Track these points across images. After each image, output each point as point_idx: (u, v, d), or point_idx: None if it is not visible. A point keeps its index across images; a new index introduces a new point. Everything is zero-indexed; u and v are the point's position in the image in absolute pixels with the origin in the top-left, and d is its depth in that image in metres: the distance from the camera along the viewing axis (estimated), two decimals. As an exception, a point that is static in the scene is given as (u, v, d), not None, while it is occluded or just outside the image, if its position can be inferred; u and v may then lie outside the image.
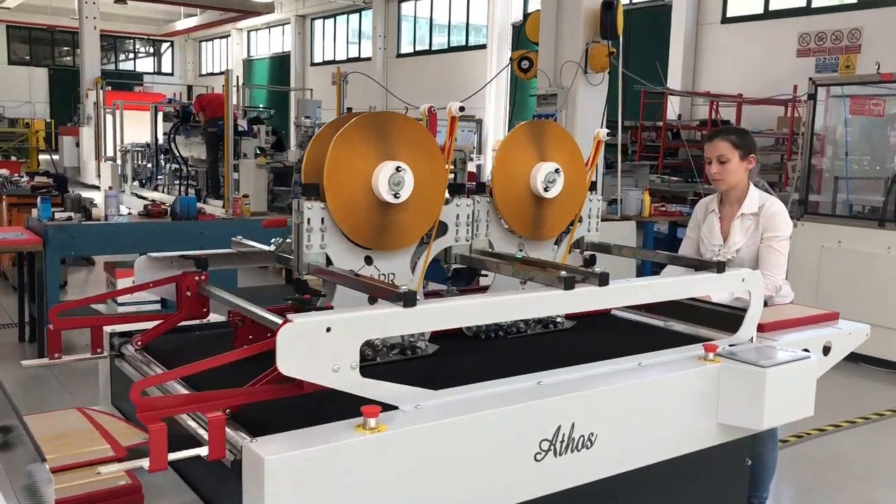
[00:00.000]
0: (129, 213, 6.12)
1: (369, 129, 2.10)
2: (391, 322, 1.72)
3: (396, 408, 1.76)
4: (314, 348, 1.61)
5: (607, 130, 2.65)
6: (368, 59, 23.48)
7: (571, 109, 7.67)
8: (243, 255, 2.43)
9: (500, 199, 2.42)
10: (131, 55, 36.28)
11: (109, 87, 17.67)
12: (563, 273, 1.99)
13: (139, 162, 12.68)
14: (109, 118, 14.48)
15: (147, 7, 29.86)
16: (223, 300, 2.19)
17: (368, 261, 2.18)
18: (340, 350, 1.65)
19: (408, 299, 1.73)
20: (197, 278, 2.31)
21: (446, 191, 2.27)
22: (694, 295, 2.39)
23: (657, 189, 10.39)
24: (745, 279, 2.39)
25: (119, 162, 13.24)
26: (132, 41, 35.44)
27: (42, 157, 22.94)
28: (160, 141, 11.79)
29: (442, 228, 2.32)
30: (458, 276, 2.42)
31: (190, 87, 15.28)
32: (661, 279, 2.24)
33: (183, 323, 2.35)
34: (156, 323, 2.30)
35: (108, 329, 2.31)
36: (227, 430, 1.62)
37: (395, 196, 2.09)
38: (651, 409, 2.08)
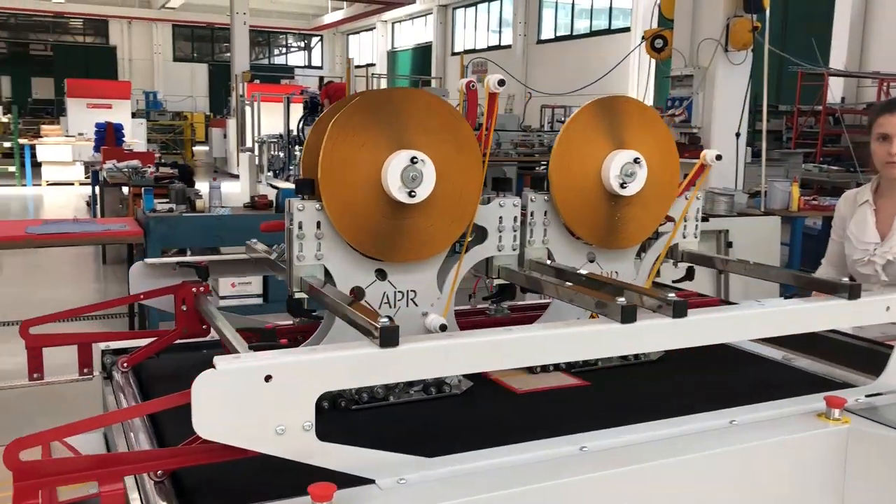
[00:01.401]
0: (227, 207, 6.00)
1: (377, 111, 1.65)
2: (360, 368, 1.27)
3: (373, 481, 1.32)
4: (248, 404, 1.19)
5: (717, 153, 2.06)
6: (508, 46, 23.00)
7: (709, 92, 6.90)
8: (253, 263, 2.06)
9: (561, 196, 1.91)
10: (283, 50, 37.68)
11: (258, 81, 18.24)
12: (621, 301, 1.46)
13: (274, 152, 12.88)
14: (249, 110, 14.85)
15: (297, 2, 30.84)
16: (210, 318, 1.82)
17: (381, 275, 1.74)
18: (287, 406, 1.22)
19: (385, 336, 1.28)
20: (195, 289, 1.96)
21: (483, 187, 1.79)
22: (810, 330, 1.78)
23: (813, 180, 9.31)
24: (892, 308, 1.76)
25: (256, 152, 13.54)
26: (284, 36, 36.78)
27: (196, 148, 24.18)
28: (293, 131, 11.89)
29: (480, 234, 1.84)
30: (503, 292, 1.94)
31: (321, 78, 15.39)
32: (766, 308, 1.66)
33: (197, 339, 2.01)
34: (150, 341, 1.97)
35: (100, 346, 2.01)
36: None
37: (411, 194, 1.64)
38: (741, 492, 1.52)
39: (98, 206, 9.15)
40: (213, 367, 1.18)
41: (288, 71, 33.43)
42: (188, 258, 2.03)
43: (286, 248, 1.70)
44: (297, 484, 1.22)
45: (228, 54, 23.15)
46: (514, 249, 1.88)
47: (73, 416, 2.47)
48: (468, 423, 1.64)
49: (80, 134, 15.77)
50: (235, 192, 15.18)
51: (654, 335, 1.50)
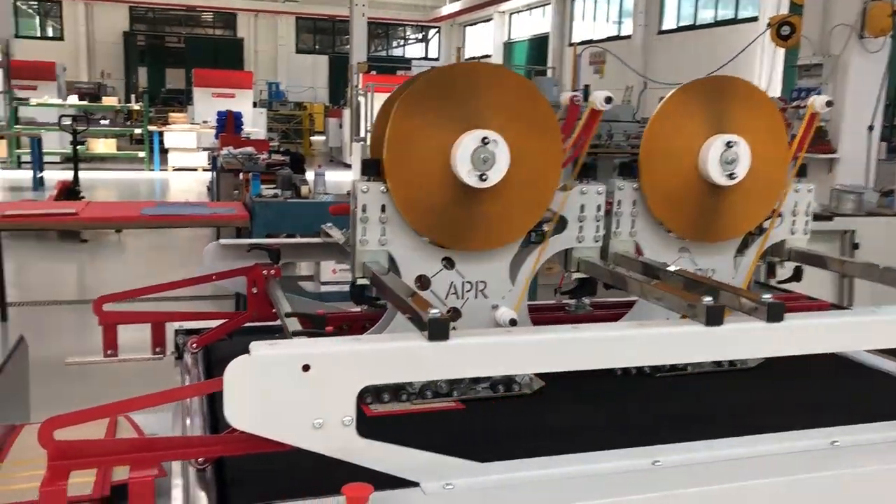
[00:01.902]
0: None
1: (448, 87, 1.55)
2: (406, 363, 1.17)
3: (417, 484, 1.22)
4: (284, 394, 1.12)
5: (828, 98, 1.84)
6: (628, 37, 22.36)
7: (841, 82, 6.41)
8: (325, 247, 2.00)
9: (652, 184, 1.75)
10: (401, 42, 38.14)
11: (374, 72, 18.51)
12: (707, 301, 1.30)
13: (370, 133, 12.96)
14: (363, 100, 15.05)
15: (415, -7, 31.10)
16: (276, 301, 1.77)
17: (448, 264, 1.63)
18: (325, 399, 1.14)
19: (435, 328, 1.17)
20: (265, 272, 1.92)
21: (562, 173, 1.65)
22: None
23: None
24: None
25: (367, 142, 13.71)
26: (403, 28, 37.21)
27: (314, 137, 24.80)
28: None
29: (560, 223, 1.71)
30: (583, 286, 1.80)
31: (431, 68, 15.37)
32: (879, 316, 1.44)
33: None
34: (221, 322, 1.94)
35: (173, 326, 2.00)
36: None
37: (482, 178, 1.53)
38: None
39: (215, 191, 9.48)
40: (248, 352, 1.11)
41: (404, 62, 33.80)
42: (261, 240, 1.99)
43: (350, 231, 1.62)
44: (341, 481, 1.14)
45: (348, 46, 23.80)
46: (596, 241, 1.73)
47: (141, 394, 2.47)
48: (533, 427, 1.52)
49: (205, 122, 16.45)
50: (347, 179, 15.46)
51: (744, 340, 1.33)
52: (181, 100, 24.94)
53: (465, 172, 1.52)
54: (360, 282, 1.59)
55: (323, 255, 2.05)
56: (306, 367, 1.12)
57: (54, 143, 15.02)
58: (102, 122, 17.31)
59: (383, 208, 1.57)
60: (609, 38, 23.73)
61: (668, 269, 1.67)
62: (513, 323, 1.61)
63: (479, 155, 1.52)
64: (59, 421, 1.13)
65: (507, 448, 1.34)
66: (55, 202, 7.72)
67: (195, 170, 16.29)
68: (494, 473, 1.24)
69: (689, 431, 1.41)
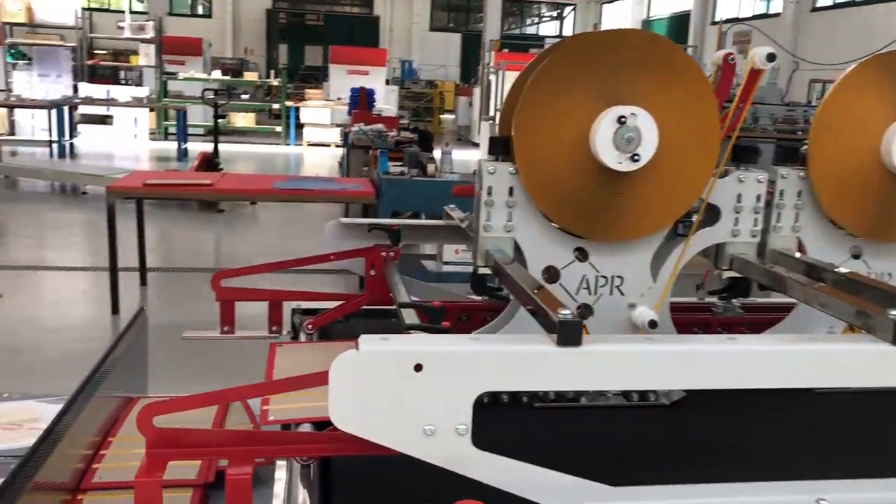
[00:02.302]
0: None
1: (588, 57, 1.38)
2: (531, 369, 1.03)
3: (538, 505, 1.08)
4: (393, 395, 1.00)
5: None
6: (777, 15, 21.05)
7: None
8: (448, 230, 1.88)
9: (822, 173, 1.52)
10: (536, 20, 37.62)
11: (507, 50, 18.31)
12: (895, 314, 1.08)
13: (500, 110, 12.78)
14: (494, 79, 14.90)
15: (552, -30, 30.54)
16: (392, 286, 1.66)
17: (581, 255, 1.47)
18: (438, 403, 1.01)
19: (565, 332, 1.02)
20: (384, 254, 1.82)
21: (719, 157, 1.45)
22: None
23: None
24: None
25: (496, 121, 13.57)
26: (538, 5, 36.68)
27: (444, 116, 24.88)
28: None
29: (711, 214, 1.51)
30: (734, 287, 1.59)
31: (568, 36, 14.96)
32: None
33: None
34: (339, 304, 1.87)
35: (290, 305, 1.94)
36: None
37: (626, 160, 1.36)
38: None
39: (345, 166, 9.62)
40: (357, 346, 1.00)
41: (538, 41, 33.33)
42: (381, 220, 1.89)
43: (473, 215, 1.49)
44: (454, 494, 1.01)
45: (482, 24, 23.72)
46: (753, 236, 1.52)
47: (260, 375, 2.45)
48: (670, 445, 1.34)
49: (339, 98, 16.77)
50: (474, 158, 15.39)
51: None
52: (318, 76, 25.60)
53: (606, 154, 1.35)
54: (482, 271, 1.46)
55: (445, 238, 1.93)
56: (419, 367, 1.00)
57: (198, 116, 15.73)
58: (243, 96, 17.98)
59: (511, 191, 1.42)
60: (756, 17, 22.44)
61: (837, 270, 1.44)
62: (652, 325, 1.44)
63: (622, 135, 1.35)
64: (159, 407, 1.06)
65: (641, 468, 1.18)
66: (195, 173, 8.04)
67: (328, 145, 16.67)
68: (627, 500, 1.09)
69: (857, 466, 1.20)
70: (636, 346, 1.06)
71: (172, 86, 16.52)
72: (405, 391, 1.00)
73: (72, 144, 14.19)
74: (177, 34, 18.86)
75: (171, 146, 14.62)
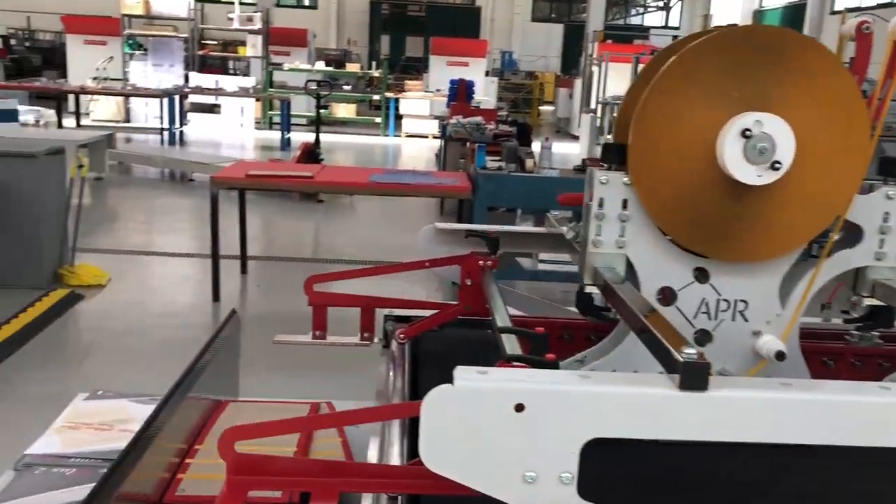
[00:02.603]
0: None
1: (725, 57, 1.23)
2: (648, 416, 0.91)
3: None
4: (491, 437, 0.90)
5: None
6: (903, 3, 19.74)
7: None
8: (548, 238, 1.76)
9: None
10: (641, 10, 36.71)
11: (610, 41, 17.89)
12: None
13: (615, 114, 12.47)
14: (596, 70, 14.57)
15: (659, -41, 29.69)
16: (490, 299, 1.56)
17: (702, 276, 1.33)
18: (540, 448, 0.91)
19: (690, 375, 0.89)
20: (482, 263, 1.72)
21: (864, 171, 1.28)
22: None
23: None
24: None
25: (598, 114, 13.26)
26: (643, -4, 35.78)
27: (543, 107, 24.58)
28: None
29: (851, 234, 1.34)
30: (876, 316, 1.41)
31: (675, 38, 14.48)
32: None
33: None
34: (432, 313, 1.78)
35: (382, 312, 1.87)
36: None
37: (759, 173, 1.21)
38: None
39: (442, 159, 9.60)
40: (452, 380, 0.90)
41: (643, 31, 32.51)
42: (479, 227, 1.80)
43: (583, 227, 1.37)
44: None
45: (585, 14, 23.27)
46: (902, 261, 1.34)
47: (350, 379, 2.39)
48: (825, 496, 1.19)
49: (438, 90, 16.77)
50: (574, 152, 15.11)
51: None
52: (418, 67, 25.72)
53: (734, 165, 1.21)
54: (589, 289, 1.34)
55: (546, 247, 1.82)
56: (520, 407, 0.90)
57: (301, 106, 16.05)
58: (345, 87, 18.24)
59: (625, 203, 1.30)
60: (881, 6, 21.12)
61: None
62: (780, 357, 1.29)
63: (754, 144, 1.20)
64: (241, 433, 1.00)
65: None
66: (296, 164, 8.16)
67: (426, 137, 16.72)
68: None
69: None
70: (771, 394, 0.92)
71: (278, 76, 16.91)
72: (504, 433, 0.90)
73: (181, 132, 14.72)
74: (283, 25, 19.30)
75: (275, 135, 14.96)
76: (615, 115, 12.23)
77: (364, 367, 1.91)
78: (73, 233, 5.85)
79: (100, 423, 1.62)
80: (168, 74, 15.86)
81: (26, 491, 1.33)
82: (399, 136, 17.16)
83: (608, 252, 1.32)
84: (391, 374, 1.65)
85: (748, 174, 1.21)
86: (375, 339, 1.86)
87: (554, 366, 0.99)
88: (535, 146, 8.26)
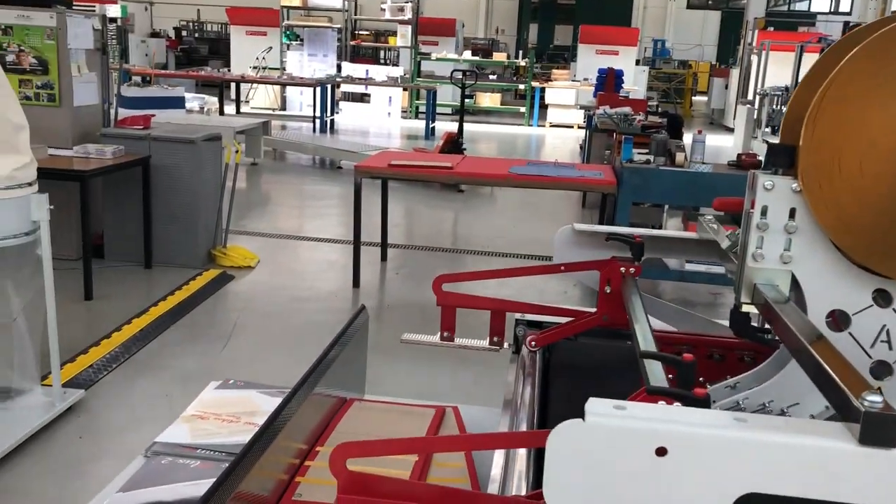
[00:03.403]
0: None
1: (920, 46, 1.04)
2: (817, 472, 0.76)
3: None
4: (626, 482, 0.79)
5: None
6: None
7: None
8: (699, 245, 1.60)
9: None
10: (808, -6, 34.45)
11: (772, 28, 16.86)
12: None
13: (775, 106, 11.74)
14: (756, 60, 13.77)
15: (831, -61, 27.74)
16: (631, 311, 1.43)
17: (883, 299, 1.15)
18: (685, 500, 0.79)
19: (872, 426, 0.74)
20: (623, 269, 1.59)
21: None
22: None
23: None
24: None
25: (755, 105, 12.52)
26: (814, -21, 33.59)
27: (696, 98, 23.56)
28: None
29: None
30: None
31: (846, 24, 13.44)
32: None
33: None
34: (567, 321, 1.67)
35: (515, 316, 1.77)
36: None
37: (960, 183, 1.02)
38: None
39: (586, 151, 9.36)
40: (583, 414, 0.80)
41: (808, 18, 30.47)
42: (622, 229, 1.66)
43: (741, 238, 1.21)
44: None
45: (744, 1, 22.04)
46: None
47: (475, 384, 2.29)
48: None
49: (585, 79, 16.42)
50: (727, 145, 14.37)
51: None
52: (566, 56, 25.34)
53: (931, 173, 1.02)
54: (746, 308, 1.18)
55: (696, 254, 1.66)
56: (662, 451, 0.78)
57: (447, 95, 16.17)
58: (490, 77, 18.21)
59: (792, 213, 1.13)
60: None
61: None
62: (978, 399, 1.09)
63: (957, 148, 1.01)
64: (353, 450, 0.94)
65: None
66: (438, 155, 8.19)
67: (571, 126, 16.42)
68: None
69: None
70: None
71: (425, 66, 17.12)
72: (641, 479, 0.78)
73: (332, 120, 15.19)
74: (433, 15, 19.51)
75: (421, 125, 15.16)
76: (774, 107, 11.51)
77: (493, 376, 1.83)
78: (227, 215, 6.13)
79: (228, 413, 1.63)
80: (322, 64, 16.41)
81: (151, 481, 1.34)
82: (543, 126, 16.95)
83: (770, 268, 1.16)
84: (520, 383, 1.55)
85: (948, 184, 1.02)
86: (505, 345, 1.77)
87: (705, 403, 0.86)
88: (687, 138, 7.87)
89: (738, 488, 0.78)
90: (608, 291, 1.59)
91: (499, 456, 1.28)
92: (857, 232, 1.10)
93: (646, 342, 1.23)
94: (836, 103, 1.07)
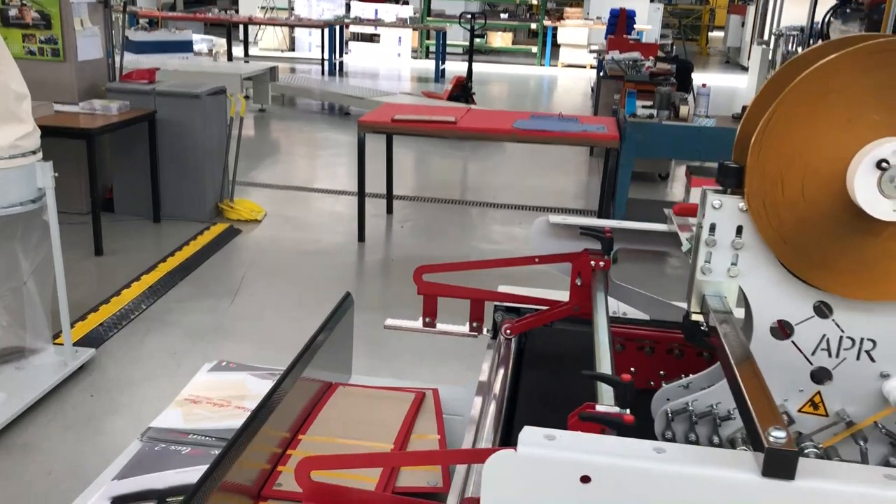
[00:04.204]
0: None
1: (869, 76, 1.08)
2: (724, 500, 0.84)
3: None
4: (553, 502, 0.87)
5: None
6: None
7: None
8: (669, 237, 1.65)
9: None
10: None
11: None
12: None
13: (790, 47, 11.55)
14: (773, -3, 13.47)
15: None
16: (594, 305, 1.50)
17: (824, 311, 1.21)
18: (606, 519, 0.87)
19: (773, 462, 0.82)
20: (593, 263, 1.65)
21: None
22: None
23: None
24: None
25: (770, 46, 12.31)
26: None
27: (712, 34, 23.07)
28: (817, 25, 10.45)
29: None
30: None
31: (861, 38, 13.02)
32: None
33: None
34: (542, 309, 1.74)
35: (494, 303, 1.84)
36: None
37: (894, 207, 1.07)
38: None
39: (596, 96, 9.27)
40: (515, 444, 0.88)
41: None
42: (593, 223, 1.71)
43: (692, 248, 1.27)
44: None
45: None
46: None
47: (454, 369, 2.38)
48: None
49: (598, 18, 16.12)
50: (742, 87, 14.18)
51: None
52: (581, -7, 24.72)
53: (865, 198, 1.07)
54: (695, 317, 1.25)
55: (667, 245, 1.71)
56: (586, 479, 0.86)
57: (458, 35, 15.94)
58: (502, 15, 17.91)
59: (739, 231, 1.19)
60: None
61: None
62: (908, 407, 1.16)
63: (891, 175, 1.06)
64: (318, 463, 1.03)
65: None
66: (442, 108, 8.16)
67: (583, 67, 16.21)
68: None
69: None
70: (869, 489, 0.83)
71: (436, 4, 16.84)
72: (567, 500, 0.87)
73: (342, 62, 15.07)
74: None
75: (431, 65, 15.01)
76: (790, 48, 11.30)
77: (469, 360, 1.92)
78: (233, 168, 6.19)
79: (219, 397, 1.72)
80: (330, 4, 16.17)
81: (145, 469, 1.44)
82: (555, 65, 16.73)
83: (718, 281, 1.22)
84: (494, 368, 1.63)
85: (882, 209, 1.07)
86: (484, 330, 1.85)
87: (633, 431, 0.94)
88: (699, 79, 7.78)
89: (656, 513, 0.86)
90: (579, 284, 1.66)
91: (469, 434, 1.38)
92: (797, 249, 1.15)
93: (601, 338, 1.31)
94: (781, 129, 1.11)
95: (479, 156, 8.74)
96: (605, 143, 5.15)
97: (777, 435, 0.84)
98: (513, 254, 5.52)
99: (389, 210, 6.43)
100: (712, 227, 1.20)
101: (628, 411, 1.03)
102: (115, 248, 5.25)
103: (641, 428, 1.32)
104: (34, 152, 3.32)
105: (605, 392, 1.08)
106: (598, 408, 1.04)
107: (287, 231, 5.90)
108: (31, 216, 3.39)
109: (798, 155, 1.12)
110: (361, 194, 5.57)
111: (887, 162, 1.05)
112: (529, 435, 0.88)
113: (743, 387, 0.96)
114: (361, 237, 5.68)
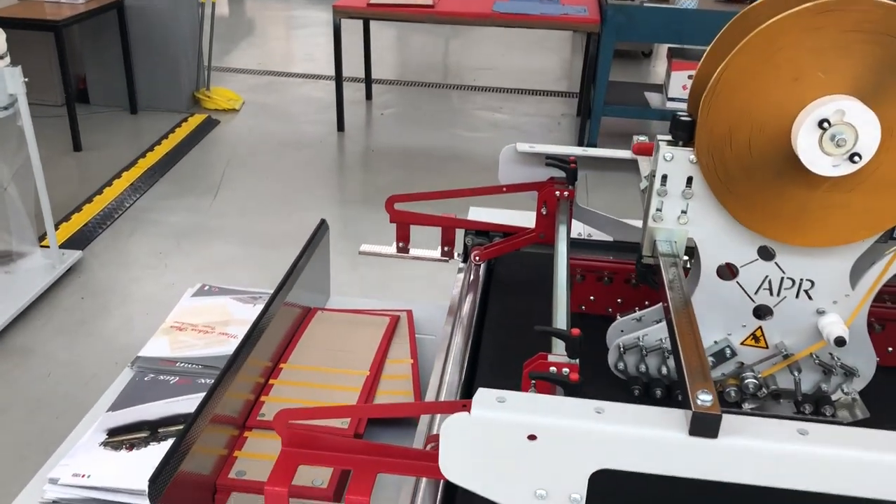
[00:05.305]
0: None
1: (817, 36, 1.11)
2: (655, 455, 0.94)
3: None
4: (505, 460, 0.97)
5: None
6: None
7: None
8: (631, 164, 1.70)
9: None
10: None
11: None
12: None
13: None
14: None
15: None
16: (556, 237, 1.57)
17: (766, 254, 1.28)
18: (552, 473, 0.97)
19: (700, 425, 0.91)
20: (558, 193, 1.70)
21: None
22: None
23: None
24: None
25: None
26: None
27: None
28: None
29: (942, 221, 1.23)
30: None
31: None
32: None
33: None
34: (508, 236, 1.81)
35: (465, 230, 1.90)
36: None
37: (836, 163, 1.12)
38: None
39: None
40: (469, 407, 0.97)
41: None
42: (558, 151, 1.75)
43: (645, 196, 1.33)
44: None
45: None
46: None
47: (425, 290, 2.47)
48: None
49: None
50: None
51: None
52: None
53: (807, 153, 1.13)
54: (647, 261, 1.32)
55: (630, 171, 1.76)
56: (532, 437, 0.95)
57: None
58: None
59: (689, 181, 1.24)
60: None
61: None
62: (839, 343, 1.25)
63: (833, 133, 1.10)
64: (294, 414, 1.12)
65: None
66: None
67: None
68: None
69: None
70: (784, 446, 0.93)
71: None
72: (518, 457, 0.97)
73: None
74: None
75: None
76: None
77: (441, 285, 2.00)
78: (208, 55, 6.05)
79: (203, 324, 1.81)
80: None
81: (136, 399, 1.54)
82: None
83: (668, 227, 1.28)
84: (466, 293, 1.72)
85: (822, 165, 1.12)
86: (455, 255, 1.92)
87: (576, 388, 1.03)
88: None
89: (593, 465, 0.96)
90: (544, 213, 1.72)
91: (438, 362, 1.48)
92: (743, 200, 1.21)
93: (560, 272, 1.39)
94: (729, 89, 1.14)
95: (461, 33, 8.54)
96: (586, 28, 5.06)
97: (704, 398, 0.93)
98: (493, 141, 5.54)
99: (368, 96, 6.36)
100: (664, 178, 1.25)
101: (577, 361, 1.12)
102: (93, 143, 5.22)
103: (600, 353, 1.43)
104: (1, 57, 3.26)
105: (558, 343, 1.16)
106: (550, 357, 1.13)
107: (265, 121, 5.85)
108: (6, 122, 3.37)
109: (746, 113, 1.15)
110: (339, 84, 5.49)
111: (828, 122, 1.09)
112: (484, 396, 0.97)
113: (679, 345, 1.05)
114: (341, 126, 5.65)
